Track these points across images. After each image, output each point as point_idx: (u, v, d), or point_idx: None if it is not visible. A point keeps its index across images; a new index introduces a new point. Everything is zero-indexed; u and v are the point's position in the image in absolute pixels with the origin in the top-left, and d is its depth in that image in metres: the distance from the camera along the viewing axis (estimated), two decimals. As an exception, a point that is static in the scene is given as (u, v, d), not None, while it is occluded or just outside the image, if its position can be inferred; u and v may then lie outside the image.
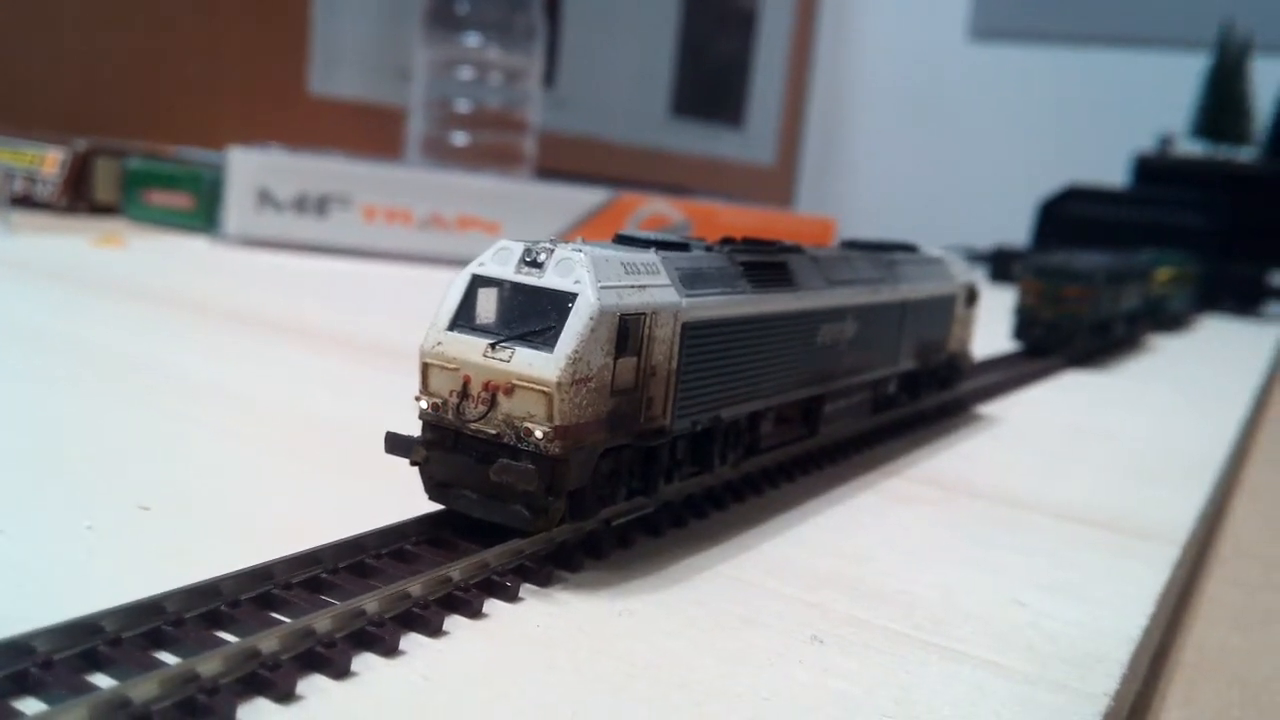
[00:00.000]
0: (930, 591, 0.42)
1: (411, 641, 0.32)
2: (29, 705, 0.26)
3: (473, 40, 1.90)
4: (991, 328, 1.20)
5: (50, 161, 1.62)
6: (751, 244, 0.49)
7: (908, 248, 0.69)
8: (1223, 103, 2.50)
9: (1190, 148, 2.53)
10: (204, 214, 1.49)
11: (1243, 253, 2.19)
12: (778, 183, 3.65)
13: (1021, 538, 0.51)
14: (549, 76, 2.37)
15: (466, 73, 1.91)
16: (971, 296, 0.76)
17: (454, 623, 0.34)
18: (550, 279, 0.37)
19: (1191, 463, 0.72)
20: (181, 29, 1.91)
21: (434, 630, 0.33)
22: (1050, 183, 2.51)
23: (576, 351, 0.36)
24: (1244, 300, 2.17)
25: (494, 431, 0.37)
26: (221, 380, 0.66)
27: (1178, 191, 2.29)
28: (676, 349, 0.41)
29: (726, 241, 0.48)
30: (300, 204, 1.28)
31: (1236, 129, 2.51)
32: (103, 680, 0.27)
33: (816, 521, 0.49)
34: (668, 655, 0.34)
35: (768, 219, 1.65)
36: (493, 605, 0.36)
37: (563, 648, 0.33)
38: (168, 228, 1.48)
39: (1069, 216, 2.28)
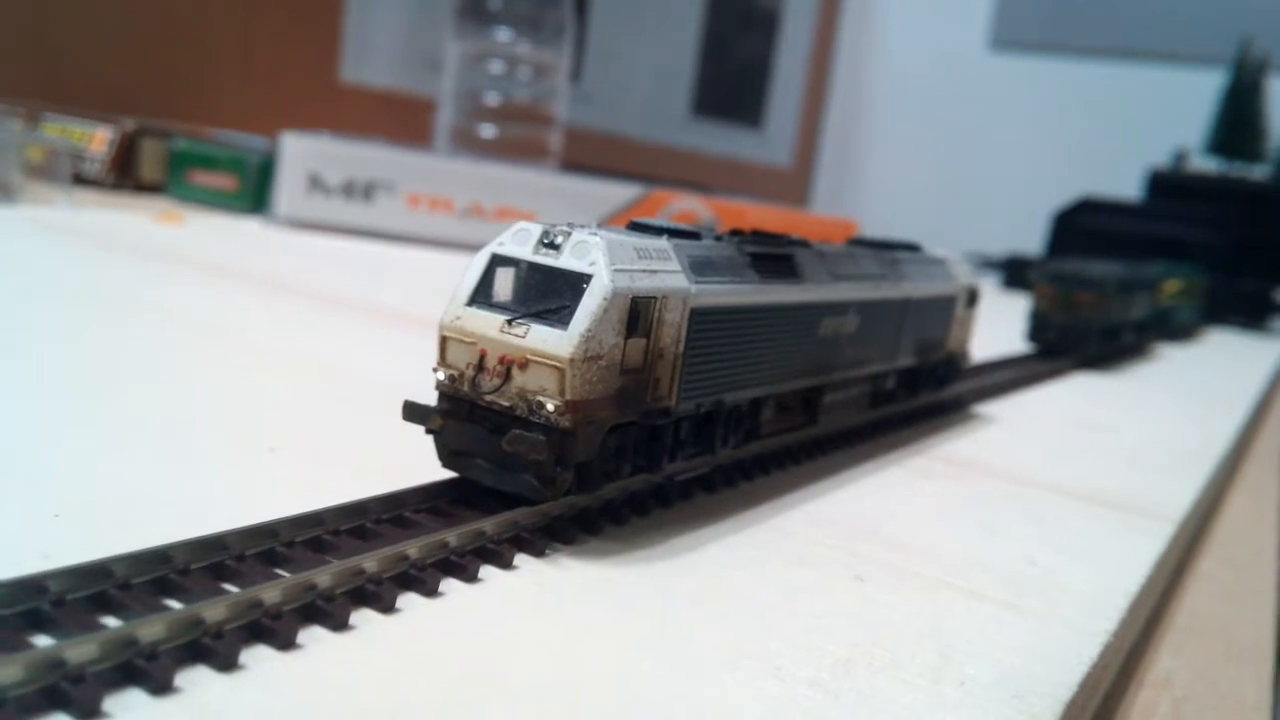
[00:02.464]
0: (953, 547, 0.48)
1: (451, 585, 0.36)
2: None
3: (503, 35, 1.95)
4: (1007, 330, 1.26)
5: (98, 140, 1.68)
6: (760, 236, 0.51)
7: (912, 247, 0.70)
8: (1238, 120, 2.54)
9: (1204, 164, 2.58)
10: (248, 196, 1.55)
11: (1251, 269, 2.24)
12: (794, 184, 3.70)
13: (1033, 510, 0.57)
14: (575, 72, 2.42)
15: (496, 66, 1.96)
16: (972, 298, 0.77)
17: (523, 561, 0.38)
18: (567, 260, 0.39)
19: (1190, 456, 0.77)
20: (218, 16, 1.96)
21: (506, 564, 0.37)
22: (1064, 193, 2.55)
23: (589, 330, 0.37)
24: (1251, 315, 2.22)
25: (507, 404, 0.39)
26: (300, 346, 0.71)
27: (1190, 207, 2.33)
28: (684, 333, 0.42)
29: (736, 233, 0.50)
30: (348, 189, 1.34)
31: (1251, 147, 2.55)
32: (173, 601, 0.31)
33: (850, 489, 0.55)
34: (735, 582, 0.40)
35: (792, 219, 1.70)
36: (591, 542, 0.41)
37: (656, 571, 0.39)
38: (211, 208, 1.54)
39: (1082, 227, 2.33)
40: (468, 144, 1.93)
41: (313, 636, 0.31)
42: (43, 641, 0.27)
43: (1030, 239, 2.60)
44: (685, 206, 1.45)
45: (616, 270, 0.39)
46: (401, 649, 0.31)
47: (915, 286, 0.65)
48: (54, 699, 0.25)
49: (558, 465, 0.39)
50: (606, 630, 0.34)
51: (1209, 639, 0.50)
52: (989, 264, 2.50)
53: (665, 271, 0.41)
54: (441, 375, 0.40)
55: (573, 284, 0.39)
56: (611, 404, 0.39)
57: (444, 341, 0.40)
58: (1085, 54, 3.25)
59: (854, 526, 0.49)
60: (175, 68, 1.91)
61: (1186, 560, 0.61)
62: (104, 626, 0.28)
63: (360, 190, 1.34)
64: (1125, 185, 2.59)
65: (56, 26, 1.74)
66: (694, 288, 0.43)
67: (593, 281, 0.38)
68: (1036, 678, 0.35)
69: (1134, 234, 2.22)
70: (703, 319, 0.43)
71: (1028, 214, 2.72)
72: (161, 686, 0.27)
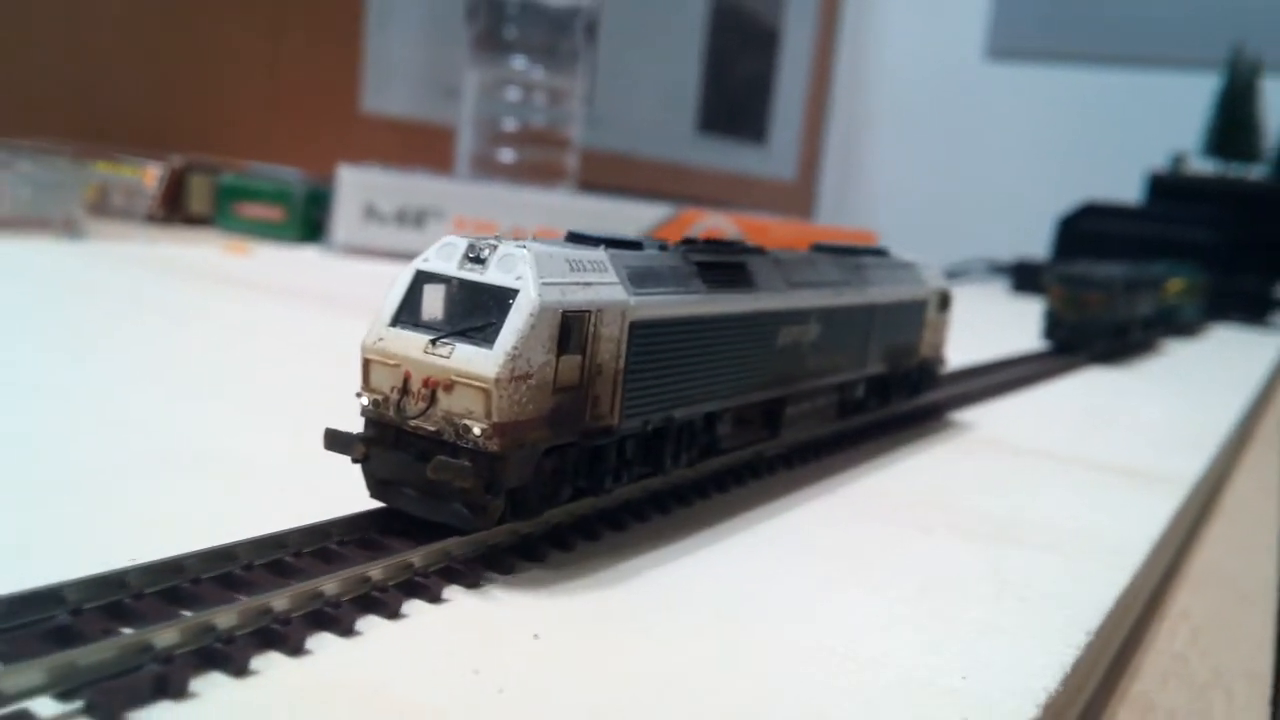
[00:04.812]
0: (998, 508, 0.55)
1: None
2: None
3: (519, 63, 2.03)
4: (1020, 331, 1.35)
5: (149, 176, 1.77)
6: (709, 244, 0.49)
7: (878, 252, 0.68)
8: (1234, 122, 2.61)
9: (1202, 166, 2.65)
10: (295, 226, 1.64)
11: (1251, 266, 2.31)
12: (799, 198, 3.78)
13: (1062, 479, 0.65)
14: (589, 95, 2.50)
15: (513, 93, 2.03)
16: (944, 301, 0.75)
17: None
18: (492, 275, 0.37)
19: (1198, 435, 0.85)
20: (244, 52, 2.04)
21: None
22: (1066, 198, 2.63)
23: (516, 348, 0.36)
24: (1252, 311, 2.29)
25: (433, 428, 0.37)
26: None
27: (1189, 208, 2.41)
28: (624, 348, 0.41)
29: (689, 242, 0.49)
30: (401, 217, 1.42)
31: (1247, 148, 2.62)
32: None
33: (902, 464, 0.63)
34: (833, 538, 0.47)
35: (814, 233, 1.78)
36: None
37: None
38: (259, 238, 1.62)
39: (1086, 231, 2.41)
40: (487, 169, 2.01)
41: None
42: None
43: (1034, 244, 2.67)
44: (713, 224, 1.53)
45: (545, 284, 0.37)
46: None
47: (881, 291, 0.64)
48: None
49: (487, 492, 0.37)
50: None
51: (1221, 584, 0.58)
52: (998, 269, 2.58)
53: (600, 284, 0.40)
54: (365, 400, 0.39)
55: (499, 300, 0.37)
56: (545, 425, 0.38)
57: (366, 364, 0.39)
58: (1081, 61, 3.33)
59: (909, 492, 0.57)
60: (204, 104, 1.99)
61: (1199, 524, 0.69)
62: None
63: (412, 217, 1.42)
64: (1126, 189, 2.67)
65: (89, 68, 1.81)
66: (633, 300, 0.41)
67: (519, 296, 0.37)
68: (1079, 597, 0.42)
69: (1136, 236, 2.29)
70: (644, 332, 0.42)
71: (1031, 219, 2.79)
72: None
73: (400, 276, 0.39)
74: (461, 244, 0.39)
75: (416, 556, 0.36)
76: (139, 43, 1.87)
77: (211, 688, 0.28)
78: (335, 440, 0.39)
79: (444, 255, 0.39)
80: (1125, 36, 3.27)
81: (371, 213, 1.42)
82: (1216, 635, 0.50)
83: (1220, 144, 2.61)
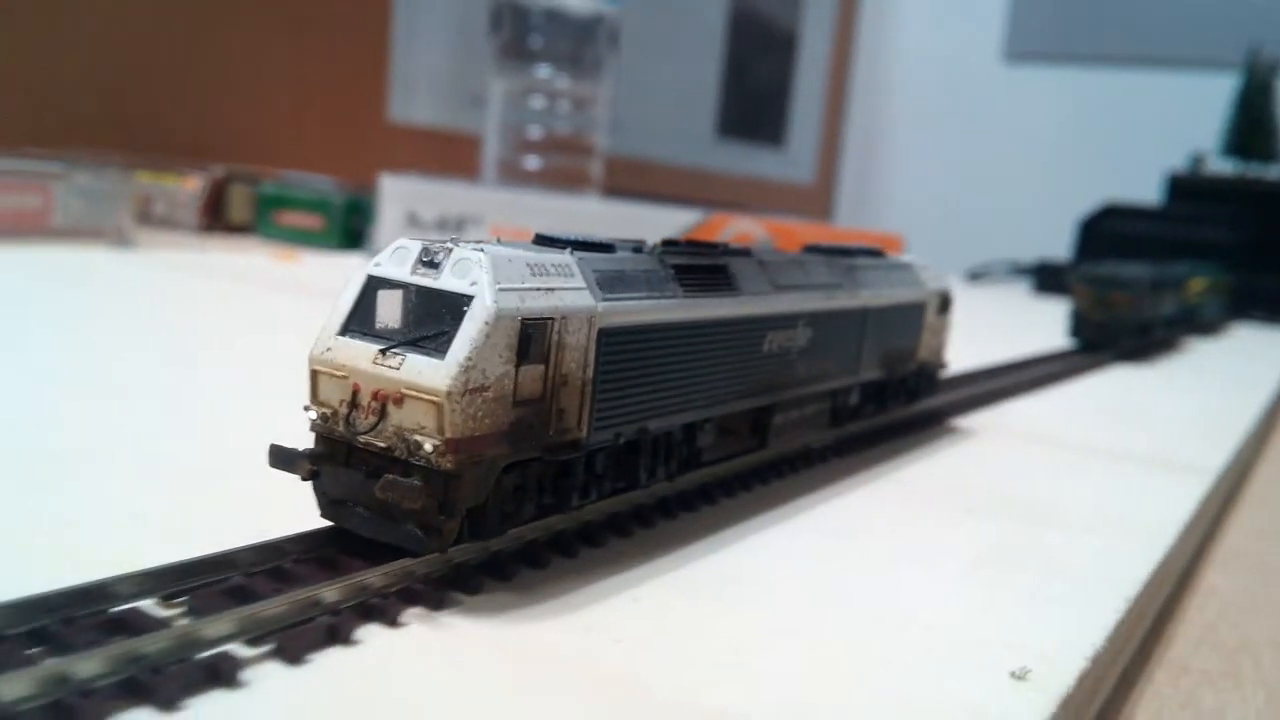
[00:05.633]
0: (1035, 495, 0.59)
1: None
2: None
3: (544, 71, 2.07)
4: (1044, 331, 1.39)
5: (191, 185, 1.82)
6: (689, 246, 0.47)
7: (874, 253, 0.66)
8: (1251, 122, 2.63)
9: (1221, 166, 2.67)
10: (334, 233, 1.69)
11: (1272, 266, 2.33)
12: (816, 201, 3.81)
13: (1094, 469, 0.68)
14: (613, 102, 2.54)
15: (538, 101, 2.08)
16: (944, 304, 0.73)
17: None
18: (446, 280, 0.35)
19: (1222, 428, 0.88)
20: (273, 63, 2.09)
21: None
22: (1086, 200, 2.65)
23: (470, 359, 0.34)
24: (1272, 310, 2.31)
25: (384, 445, 0.35)
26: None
27: (1209, 208, 2.44)
28: (592, 356, 0.39)
29: (671, 243, 0.46)
30: (441, 224, 1.47)
31: (1265, 147, 2.64)
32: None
33: (942, 455, 0.67)
34: (874, 514, 0.51)
35: (841, 236, 1.82)
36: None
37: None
38: (298, 245, 1.67)
39: (1107, 232, 2.44)
40: (514, 176, 2.05)
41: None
42: None
43: (1055, 245, 2.70)
44: (742, 228, 1.56)
45: (502, 290, 0.35)
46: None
47: (876, 294, 0.62)
48: None
49: (441, 513, 0.35)
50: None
51: (1247, 564, 0.62)
52: (1020, 270, 2.61)
53: (565, 289, 0.37)
54: (314, 414, 0.37)
55: (452, 307, 0.35)
56: (504, 440, 0.35)
57: (314, 376, 0.36)
58: (1098, 63, 3.34)
59: (952, 481, 0.60)
60: (237, 114, 2.04)
61: (1225, 509, 0.72)
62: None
63: (452, 224, 1.47)
64: (1145, 189, 2.68)
65: (125, 80, 1.86)
66: (601, 305, 0.39)
67: (474, 303, 0.34)
68: (1117, 572, 0.46)
69: (1157, 237, 2.32)
70: (614, 340, 0.40)
71: (1051, 220, 2.81)
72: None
73: (351, 281, 0.37)
74: (415, 247, 0.37)
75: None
76: (173, 56, 1.92)
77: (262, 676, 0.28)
78: (280, 457, 0.37)
79: (397, 259, 0.37)
80: (1142, 37, 3.29)
81: (414, 220, 1.46)
82: (1244, 608, 0.54)
83: (1239, 144, 2.63)
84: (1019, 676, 0.34)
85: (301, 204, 1.75)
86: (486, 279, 0.35)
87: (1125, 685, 0.42)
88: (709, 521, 0.47)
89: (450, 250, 0.36)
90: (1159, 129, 3.06)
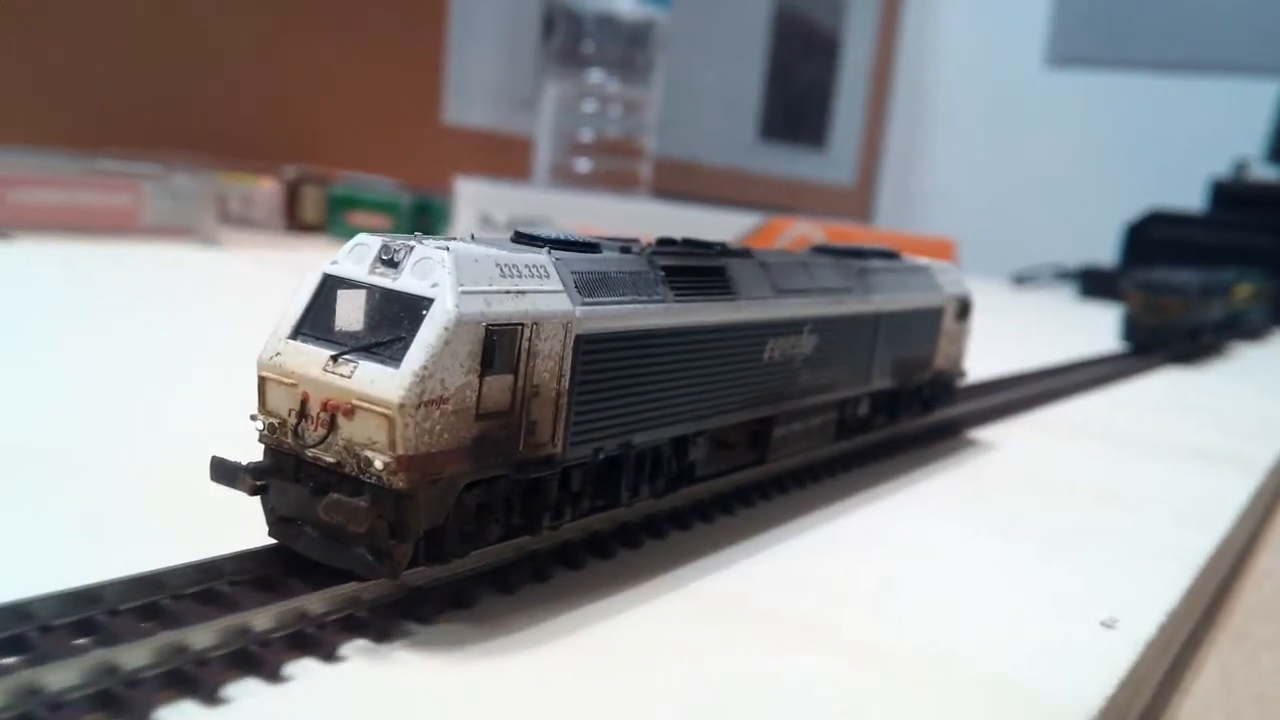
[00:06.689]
0: (1100, 482, 0.65)
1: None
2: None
3: (595, 76, 2.13)
4: (1094, 335, 1.44)
5: (266, 185, 1.90)
6: (683, 246, 0.44)
7: (888, 254, 0.63)
8: (1295, 128, 2.65)
9: (1265, 172, 2.69)
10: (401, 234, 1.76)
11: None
12: (858, 203, 3.85)
13: (1153, 460, 0.74)
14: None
15: (590, 105, 2.14)
16: (964, 309, 0.69)
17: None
18: (405, 281, 0.32)
19: (1272, 425, 0.93)
20: (338, 68, 2.16)
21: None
22: (1129, 205, 2.67)
23: (426, 368, 0.31)
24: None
25: (333, 460, 0.32)
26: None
27: (1254, 214, 2.46)
28: (569, 365, 0.36)
29: (667, 242, 0.44)
30: (512, 225, 1.54)
31: (1310, 154, 2.66)
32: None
33: (1005, 449, 0.72)
34: (910, 525, 0.57)
35: (895, 240, 1.87)
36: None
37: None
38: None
39: (1152, 238, 2.47)
40: (565, 178, 2.11)
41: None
42: None
43: (1099, 250, 2.72)
44: (801, 231, 1.62)
45: (465, 292, 0.32)
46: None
47: (889, 299, 0.58)
48: None
49: (393, 536, 0.32)
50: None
51: (1299, 551, 0.67)
52: (1065, 275, 2.64)
53: (538, 292, 0.35)
54: (261, 424, 0.34)
55: (410, 310, 0.32)
56: (465, 456, 0.33)
57: (262, 382, 0.34)
58: (1141, 68, 3.35)
59: (1014, 468, 0.66)
60: (302, 117, 2.12)
61: (1275, 501, 0.77)
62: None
63: (523, 225, 1.54)
64: (1188, 195, 2.70)
65: (198, 83, 1.94)
66: (579, 310, 0.36)
67: (433, 307, 0.32)
68: (1184, 547, 0.52)
69: (1201, 243, 2.34)
70: (594, 347, 0.37)
71: (1096, 226, 2.83)
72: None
73: (306, 280, 0.35)
74: (375, 244, 0.34)
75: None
76: (243, 62, 2.00)
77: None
78: (221, 471, 0.34)
79: (355, 257, 0.34)
80: (1185, 43, 3.30)
81: (487, 222, 1.53)
82: (1296, 589, 0.59)
83: (1283, 150, 2.64)
84: (1109, 625, 0.39)
85: (372, 205, 1.82)
86: (449, 280, 0.32)
87: (1193, 644, 0.48)
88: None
89: (412, 248, 0.33)
90: (1202, 135, 3.06)
